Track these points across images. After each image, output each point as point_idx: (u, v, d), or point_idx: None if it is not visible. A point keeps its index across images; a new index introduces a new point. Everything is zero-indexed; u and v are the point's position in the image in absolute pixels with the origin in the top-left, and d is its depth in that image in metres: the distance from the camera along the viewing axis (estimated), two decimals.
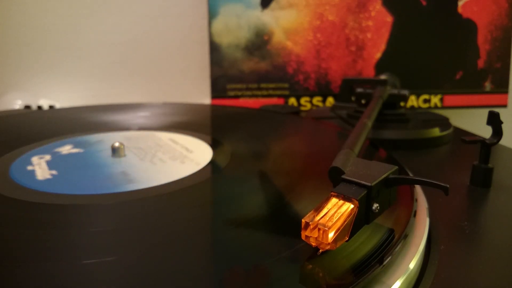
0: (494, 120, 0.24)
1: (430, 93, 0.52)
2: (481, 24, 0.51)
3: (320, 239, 0.14)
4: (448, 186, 0.16)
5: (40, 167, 0.25)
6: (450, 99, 0.52)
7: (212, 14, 0.50)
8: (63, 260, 0.15)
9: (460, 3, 0.50)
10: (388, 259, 0.15)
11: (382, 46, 0.51)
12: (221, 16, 0.50)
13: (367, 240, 0.16)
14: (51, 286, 0.13)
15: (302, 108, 0.51)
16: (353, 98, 0.42)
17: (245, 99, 0.51)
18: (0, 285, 0.13)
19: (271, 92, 0.51)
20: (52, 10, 0.57)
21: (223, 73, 0.51)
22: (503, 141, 0.28)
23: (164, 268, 0.14)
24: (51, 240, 0.16)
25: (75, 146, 0.30)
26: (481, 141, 0.25)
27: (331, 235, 0.14)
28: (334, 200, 0.15)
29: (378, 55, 0.51)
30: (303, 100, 0.52)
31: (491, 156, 0.26)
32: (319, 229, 0.14)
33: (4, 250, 0.15)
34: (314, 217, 0.15)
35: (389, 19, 0.50)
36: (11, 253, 0.15)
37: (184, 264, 0.15)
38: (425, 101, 0.52)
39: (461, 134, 0.37)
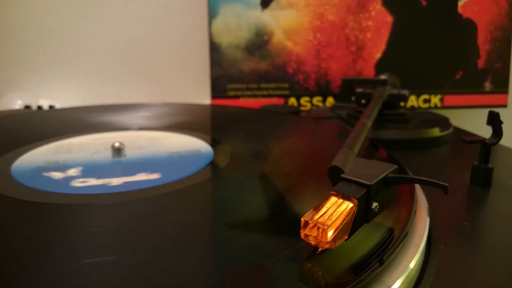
0: (494, 120, 0.24)
1: (430, 93, 0.52)
2: (481, 24, 0.51)
3: (319, 238, 0.14)
4: (447, 185, 0.16)
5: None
6: (450, 99, 0.52)
7: (212, 14, 0.50)
8: (63, 259, 0.15)
9: (460, 3, 0.50)
10: (388, 258, 0.15)
11: (382, 46, 0.51)
12: (221, 16, 0.50)
13: (367, 239, 0.16)
14: (51, 286, 0.13)
15: (302, 108, 0.51)
16: (353, 98, 0.42)
17: (245, 99, 0.51)
18: (0, 285, 0.13)
19: (271, 92, 0.51)
20: (52, 10, 0.57)
21: (223, 73, 0.51)
22: (503, 141, 0.28)
23: (164, 268, 0.14)
24: (51, 239, 0.16)
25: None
26: (481, 141, 0.25)
27: (330, 233, 0.14)
28: (333, 199, 0.15)
29: (378, 55, 0.51)
30: (303, 100, 0.52)
31: (491, 156, 0.26)
32: (318, 228, 0.14)
33: (5, 250, 0.15)
34: (313, 215, 0.15)
35: (389, 19, 0.50)
36: (11, 253, 0.15)
37: (184, 263, 0.15)
38: (425, 101, 0.52)
39: (461, 134, 0.37)
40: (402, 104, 0.39)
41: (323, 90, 0.52)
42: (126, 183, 0.22)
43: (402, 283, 0.15)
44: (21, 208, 0.19)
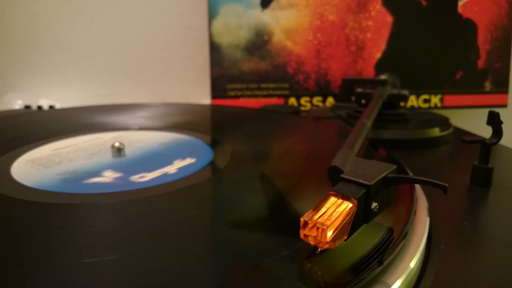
0: (494, 120, 0.24)
1: (430, 93, 0.52)
2: (481, 24, 0.51)
3: (318, 238, 0.14)
4: (446, 185, 0.16)
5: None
6: (450, 99, 0.52)
7: (212, 14, 0.50)
8: (63, 259, 0.15)
9: (460, 3, 0.50)
10: (388, 258, 0.15)
11: (382, 46, 0.51)
12: (221, 16, 0.50)
13: (367, 239, 0.16)
14: (51, 285, 0.13)
15: (302, 108, 0.51)
16: (353, 98, 0.42)
17: (245, 99, 0.51)
18: (0, 284, 0.13)
19: (271, 92, 0.51)
20: (52, 10, 0.57)
21: (223, 73, 0.51)
22: (503, 141, 0.28)
23: (164, 267, 0.14)
24: (51, 239, 0.16)
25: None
26: (481, 141, 0.25)
27: (329, 234, 0.14)
28: (333, 199, 0.15)
29: (378, 55, 0.51)
30: (303, 100, 0.52)
31: (491, 156, 0.26)
32: (317, 228, 0.14)
33: (5, 250, 0.15)
34: (312, 216, 0.15)
35: (389, 19, 0.50)
36: (12, 253, 0.15)
37: (184, 263, 0.15)
38: (425, 101, 0.52)
39: (461, 134, 0.37)
40: (402, 104, 0.39)
41: (323, 90, 0.52)
42: (179, 169, 0.24)
43: (402, 283, 0.15)
44: (21, 208, 0.19)
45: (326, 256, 0.15)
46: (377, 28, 0.51)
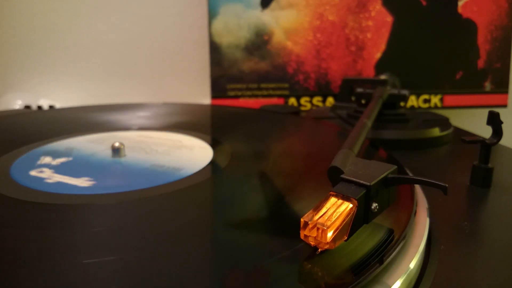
0: (494, 120, 0.24)
1: (430, 93, 0.52)
2: (481, 24, 0.51)
3: (319, 239, 0.14)
4: (446, 185, 0.16)
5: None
6: (450, 99, 0.52)
7: (212, 14, 0.50)
8: (63, 259, 0.15)
9: (460, 3, 0.50)
10: (388, 258, 0.15)
11: (382, 46, 0.51)
12: (221, 16, 0.50)
13: (367, 240, 0.16)
14: (51, 286, 0.13)
15: (302, 108, 0.51)
16: (353, 98, 0.42)
17: (245, 99, 0.51)
18: (0, 285, 0.13)
19: (271, 92, 0.51)
20: (52, 10, 0.57)
21: (223, 73, 0.51)
22: (503, 141, 0.28)
23: (164, 268, 0.14)
24: (51, 239, 0.16)
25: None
26: (481, 141, 0.25)
27: (329, 234, 0.14)
28: (333, 200, 0.15)
29: (378, 55, 0.51)
30: (303, 100, 0.52)
31: (491, 156, 0.26)
32: (317, 229, 0.14)
33: (4, 250, 0.15)
34: (313, 216, 0.15)
35: (389, 19, 0.50)
36: (11, 253, 0.15)
37: (184, 264, 0.15)
38: (425, 101, 0.52)
39: (461, 134, 0.37)
40: (402, 104, 0.39)
41: (323, 90, 0.52)
42: (58, 183, 0.22)
43: (402, 283, 0.15)
44: (21, 208, 0.19)
45: (326, 256, 0.15)
46: (377, 28, 0.51)
